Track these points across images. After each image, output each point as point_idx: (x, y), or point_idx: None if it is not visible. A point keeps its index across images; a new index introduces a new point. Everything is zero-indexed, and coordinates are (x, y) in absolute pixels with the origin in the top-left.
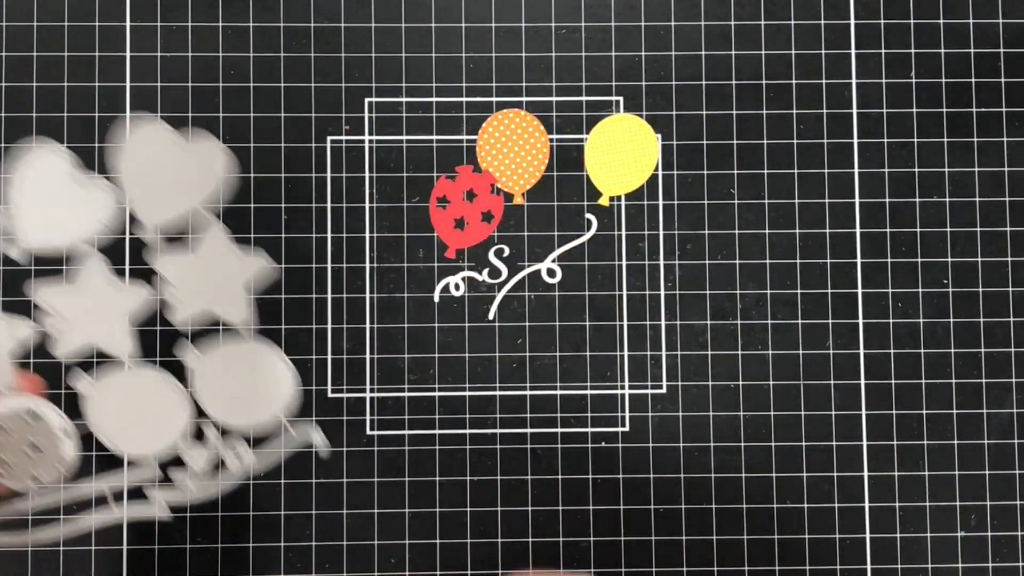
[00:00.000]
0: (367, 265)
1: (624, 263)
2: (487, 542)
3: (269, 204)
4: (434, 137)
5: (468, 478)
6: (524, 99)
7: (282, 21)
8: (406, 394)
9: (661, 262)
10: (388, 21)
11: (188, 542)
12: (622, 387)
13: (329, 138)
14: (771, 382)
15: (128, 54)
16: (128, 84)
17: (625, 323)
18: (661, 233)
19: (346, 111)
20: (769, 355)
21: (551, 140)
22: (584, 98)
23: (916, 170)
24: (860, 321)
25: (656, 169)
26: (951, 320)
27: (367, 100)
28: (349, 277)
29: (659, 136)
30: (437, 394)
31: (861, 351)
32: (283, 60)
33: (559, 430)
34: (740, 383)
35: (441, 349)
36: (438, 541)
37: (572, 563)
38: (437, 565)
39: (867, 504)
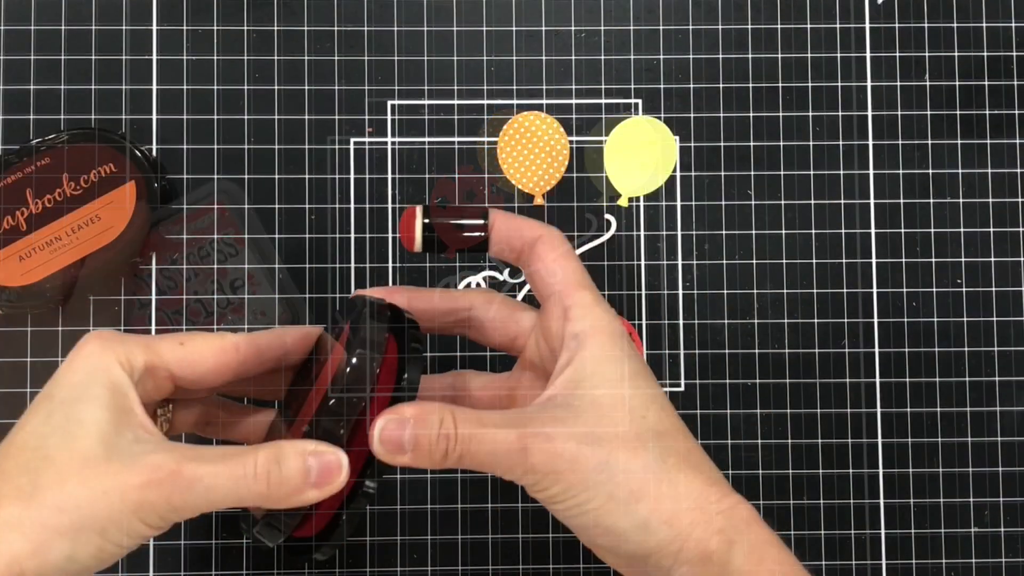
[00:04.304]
0: (391, 265)
1: (643, 263)
2: (509, 538)
3: (295, 205)
4: (456, 139)
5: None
6: (545, 101)
7: (307, 25)
8: None
9: (679, 262)
10: (411, 25)
11: (214, 538)
12: None
13: (353, 140)
14: (787, 380)
15: (155, 57)
16: (155, 87)
17: (644, 322)
18: (679, 233)
19: (370, 113)
20: (785, 354)
21: (571, 142)
22: (604, 100)
23: (930, 171)
24: (875, 320)
25: (674, 170)
26: (964, 319)
27: (390, 103)
28: (373, 277)
29: (677, 138)
30: None
31: (876, 350)
32: (308, 63)
33: None
34: (757, 381)
35: (464, 348)
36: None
37: (589, 561)
38: (459, 561)
39: (882, 500)
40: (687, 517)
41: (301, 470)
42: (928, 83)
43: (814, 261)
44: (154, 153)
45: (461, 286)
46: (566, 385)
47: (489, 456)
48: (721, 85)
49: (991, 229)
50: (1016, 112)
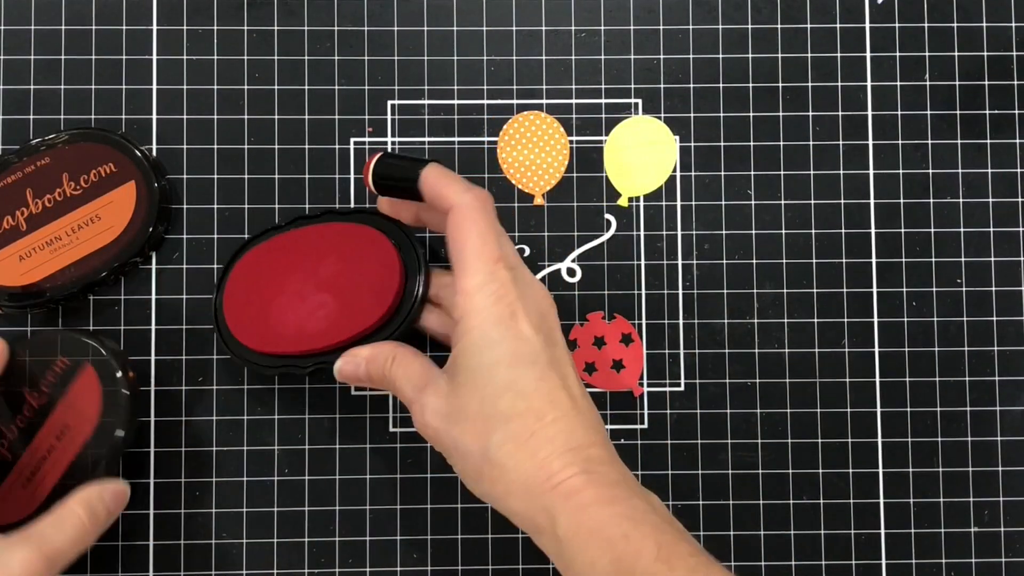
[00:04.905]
0: None
1: (643, 263)
2: (508, 538)
3: (294, 204)
4: (456, 139)
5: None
6: (544, 101)
7: (306, 25)
8: None
9: (679, 262)
10: (410, 25)
11: (213, 537)
12: (640, 384)
13: (352, 140)
14: (787, 380)
15: (155, 57)
16: (155, 87)
17: (644, 322)
18: (679, 233)
19: (369, 113)
20: (785, 353)
21: (571, 142)
22: (603, 100)
23: (930, 171)
24: (875, 320)
25: (674, 170)
26: (964, 319)
27: (390, 102)
28: None
29: (677, 138)
30: None
31: (876, 349)
32: (307, 63)
33: None
34: (757, 381)
35: None
36: (459, 536)
37: None
38: (459, 560)
39: (882, 500)
40: (519, 500)
41: (100, 509)
42: (928, 83)
43: (814, 261)
44: (154, 153)
45: None
46: (448, 366)
47: (403, 402)
48: (721, 85)
49: (991, 229)
50: (1016, 112)
